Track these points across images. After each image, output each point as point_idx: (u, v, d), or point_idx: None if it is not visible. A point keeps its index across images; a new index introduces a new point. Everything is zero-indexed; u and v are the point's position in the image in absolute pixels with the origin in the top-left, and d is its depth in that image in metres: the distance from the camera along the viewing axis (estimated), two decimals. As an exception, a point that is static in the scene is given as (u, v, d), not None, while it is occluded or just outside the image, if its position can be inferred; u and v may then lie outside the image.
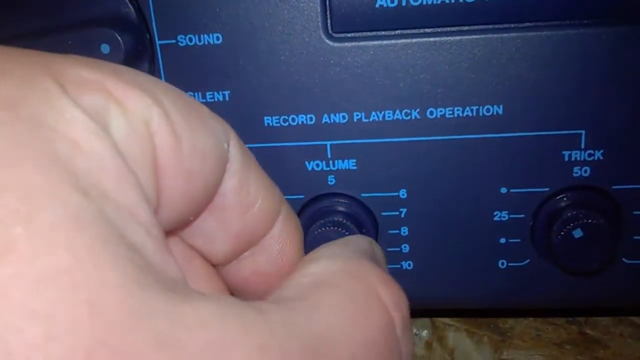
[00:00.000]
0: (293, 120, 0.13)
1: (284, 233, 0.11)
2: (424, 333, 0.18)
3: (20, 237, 0.06)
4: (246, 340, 0.07)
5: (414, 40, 0.12)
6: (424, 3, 0.12)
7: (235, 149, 0.10)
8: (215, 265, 0.11)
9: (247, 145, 0.11)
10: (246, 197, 0.11)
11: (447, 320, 0.18)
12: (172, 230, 0.10)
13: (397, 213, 0.14)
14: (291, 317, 0.08)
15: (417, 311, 0.18)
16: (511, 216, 0.14)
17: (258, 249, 0.11)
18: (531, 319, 0.18)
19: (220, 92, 0.13)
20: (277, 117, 0.13)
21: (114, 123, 0.08)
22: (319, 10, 0.12)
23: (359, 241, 0.12)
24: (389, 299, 0.10)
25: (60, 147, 0.07)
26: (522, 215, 0.13)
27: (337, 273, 0.10)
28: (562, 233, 0.13)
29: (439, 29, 0.12)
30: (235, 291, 0.12)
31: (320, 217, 0.14)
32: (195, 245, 0.11)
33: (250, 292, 0.12)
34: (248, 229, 0.11)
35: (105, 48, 0.12)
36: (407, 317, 0.10)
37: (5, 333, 0.06)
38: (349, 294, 0.10)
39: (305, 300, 0.09)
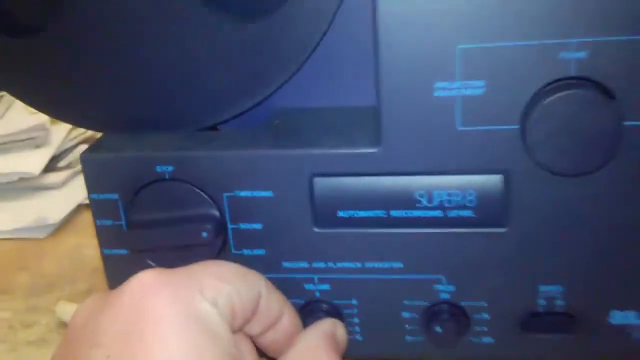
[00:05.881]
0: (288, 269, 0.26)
1: (287, 320, 0.24)
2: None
3: None
4: None
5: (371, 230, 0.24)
6: (370, 215, 0.24)
7: (264, 289, 0.23)
8: (254, 336, 0.24)
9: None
10: (270, 309, 0.23)
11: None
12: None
13: (352, 313, 0.26)
14: None
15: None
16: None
17: (274, 329, 0.24)
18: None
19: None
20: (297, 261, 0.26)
21: (220, 305, 0.20)
22: (309, 211, 0.25)
23: (324, 324, 0.24)
24: None
25: (209, 331, 0.19)
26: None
27: (300, 352, 0.22)
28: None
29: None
30: (264, 349, 0.24)
31: (310, 312, 0.26)
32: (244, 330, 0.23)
33: (272, 350, 0.24)
34: (270, 321, 0.23)
35: (204, 234, 0.24)
36: None
37: None
38: None
39: None
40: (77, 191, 0.43)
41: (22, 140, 0.46)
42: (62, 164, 0.46)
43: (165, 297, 0.19)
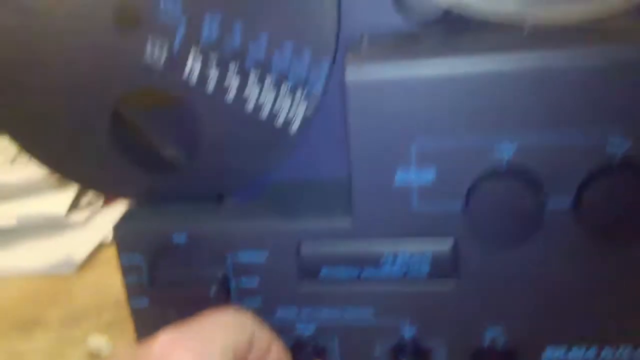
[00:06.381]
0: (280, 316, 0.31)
1: (275, 351, 0.29)
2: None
3: None
4: None
5: (347, 284, 0.30)
6: (347, 273, 0.30)
7: (256, 327, 0.28)
8: None
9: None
10: (261, 343, 0.29)
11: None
12: None
13: (334, 350, 0.32)
14: None
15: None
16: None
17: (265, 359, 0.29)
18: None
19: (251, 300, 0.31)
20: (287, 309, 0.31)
21: (226, 351, 0.26)
22: (297, 269, 0.30)
23: None
24: None
25: None
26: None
27: None
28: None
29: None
30: None
31: (299, 350, 0.32)
32: None
33: None
34: (261, 353, 0.29)
35: (212, 290, 0.30)
36: None
37: None
38: None
39: None
40: (98, 229, 0.49)
41: (48, 183, 0.51)
42: (83, 202, 0.52)
43: (183, 355, 0.25)
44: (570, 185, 0.27)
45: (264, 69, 0.27)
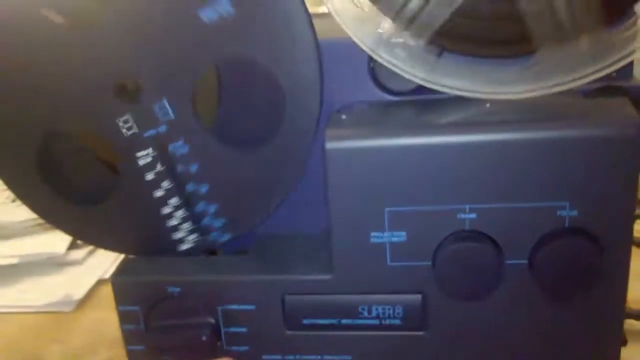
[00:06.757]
0: (269, 358, 0.34)
1: None
2: None
3: None
4: None
5: (327, 333, 0.33)
6: (327, 322, 0.33)
7: None
8: None
9: None
10: None
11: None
12: None
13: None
14: None
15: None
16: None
17: None
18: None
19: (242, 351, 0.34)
20: (273, 354, 0.34)
21: None
22: (282, 318, 0.33)
23: None
24: None
25: None
26: None
27: None
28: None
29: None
30: None
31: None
32: None
33: None
34: None
35: (204, 337, 0.33)
36: None
37: None
38: None
39: None
40: (96, 267, 0.52)
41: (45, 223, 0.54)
42: (80, 241, 0.55)
43: None
44: (524, 246, 0.30)
45: (186, 204, 0.33)
